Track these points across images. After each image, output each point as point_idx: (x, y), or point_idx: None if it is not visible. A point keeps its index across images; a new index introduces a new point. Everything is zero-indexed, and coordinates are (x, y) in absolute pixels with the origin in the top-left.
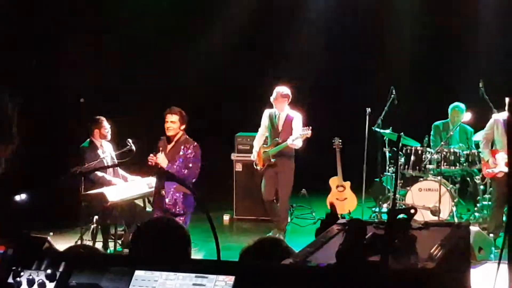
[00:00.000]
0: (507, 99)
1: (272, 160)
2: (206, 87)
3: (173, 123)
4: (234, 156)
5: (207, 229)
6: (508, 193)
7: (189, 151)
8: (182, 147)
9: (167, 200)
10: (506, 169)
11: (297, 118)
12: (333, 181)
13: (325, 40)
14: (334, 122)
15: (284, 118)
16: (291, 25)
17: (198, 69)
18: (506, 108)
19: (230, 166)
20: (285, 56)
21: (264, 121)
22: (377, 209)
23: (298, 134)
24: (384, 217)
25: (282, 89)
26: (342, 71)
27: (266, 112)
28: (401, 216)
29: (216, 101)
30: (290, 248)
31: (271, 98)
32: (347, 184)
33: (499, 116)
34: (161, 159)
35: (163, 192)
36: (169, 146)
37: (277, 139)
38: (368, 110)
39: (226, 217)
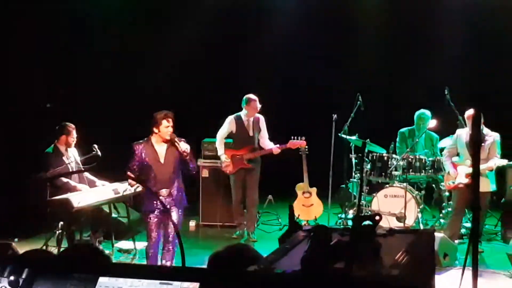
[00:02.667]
0: (466, 114)
1: (250, 164)
2: (171, 92)
3: (172, 127)
4: (200, 162)
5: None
6: (472, 202)
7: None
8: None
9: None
10: (465, 181)
11: (262, 119)
12: (300, 187)
13: (291, 47)
14: (300, 128)
15: (253, 123)
16: (257, 32)
17: (163, 74)
18: (467, 123)
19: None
20: (251, 62)
21: (230, 126)
22: (343, 216)
23: (294, 143)
24: (350, 223)
25: (254, 96)
26: (309, 78)
27: (230, 118)
28: (366, 222)
29: (181, 107)
30: (258, 254)
31: (243, 104)
32: (313, 190)
33: (461, 132)
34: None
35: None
36: (164, 148)
37: (252, 143)
38: (335, 116)
39: (192, 223)
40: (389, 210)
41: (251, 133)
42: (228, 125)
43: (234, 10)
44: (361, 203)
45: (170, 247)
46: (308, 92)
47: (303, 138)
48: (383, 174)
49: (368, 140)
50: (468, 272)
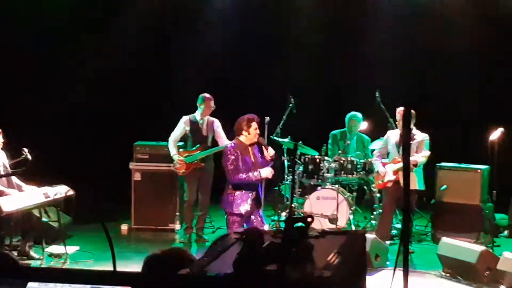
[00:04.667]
0: (397, 113)
1: (202, 163)
2: (103, 95)
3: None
4: (132, 165)
5: (104, 239)
6: (403, 203)
7: None
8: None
9: None
10: (393, 177)
11: (217, 121)
12: None
13: (223, 49)
14: (233, 130)
15: (207, 124)
16: (189, 34)
17: (94, 77)
18: (397, 123)
19: (128, 175)
20: (182, 64)
21: (185, 126)
22: (275, 218)
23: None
24: (283, 225)
25: (209, 95)
26: (241, 80)
27: (185, 118)
28: (298, 224)
29: (113, 110)
30: (194, 257)
31: (199, 102)
32: None
33: (392, 133)
34: None
35: None
36: (250, 150)
37: (205, 143)
38: (267, 119)
39: (124, 227)
40: (321, 212)
41: (204, 133)
42: (183, 124)
43: (166, 11)
44: (293, 205)
45: None
46: (240, 95)
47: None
48: (315, 176)
49: (300, 142)
50: (399, 273)
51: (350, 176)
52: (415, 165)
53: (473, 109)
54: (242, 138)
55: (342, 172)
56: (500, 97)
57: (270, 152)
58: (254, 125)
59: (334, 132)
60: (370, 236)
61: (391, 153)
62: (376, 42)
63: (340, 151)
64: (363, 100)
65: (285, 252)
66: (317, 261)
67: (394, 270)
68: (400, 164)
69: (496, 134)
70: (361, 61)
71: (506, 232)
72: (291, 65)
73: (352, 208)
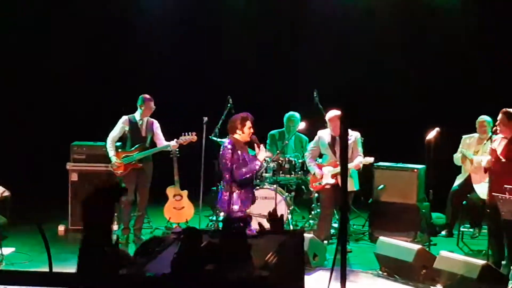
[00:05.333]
0: (328, 116)
1: (140, 164)
2: (40, 94)
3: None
4: (69, 166)
5: (41, 240)
6: (340, 203)
7: None
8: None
9: None
10: (332, 181)
11: (156, 122)
12: (170, 190)
13: (161, 49)
14: (172, 130)
15: (146, 123)
16: (126, 32)
17: (31, 76)
18: (328, 124)
19: (65, 175)
20: (124, 64)
21: (124, 126)
22: (214, 218)
23: (184, 139)
24: (221, 225)
25: (149, 96)
26: (179, 80)
27: (124, 119)
28: (236, 224)
29: (51, 110)
30: (132, 258)
31: (139, 103)
32: (185, 193)
33: (323, 133)
34: None
35: None
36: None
37: (143, 143)
38: (205, 119)
39: (61, 228)
40: (259, 212)
41: (143, 134)
42: (122, 125)
43: (111, 11)
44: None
45: None
46: (178, 95)
47: (194, 133)
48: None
49: None
50: (337, 272)
51: (288, 176)
52: (359, 169)
53: (409, 109)
54: (236, 136)
55: (281, 172)
56: (436, 96)
57: (262, 150)
58: (248, 124)
59: (272, 132)
60: (308, 235)
61: (325, 155)
62: (313, 42)
63: (278, 151)
64: (301, 100)
65: (223, 252)
66: (255, 261)
67: (332, 269)
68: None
69: (432, 134)
70: (299, 61)
71: (444, 232)
72: (229, 65)
73: (290, 208)
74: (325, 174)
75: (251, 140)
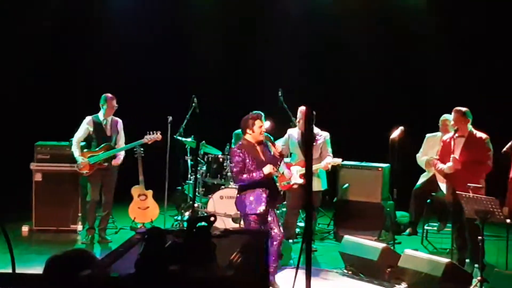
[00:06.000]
0: (299, 112)
1: (105, 164)
2: (2, 93)
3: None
4: (33, 166)
5: (3, 241)
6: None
7: None
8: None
9: None
10: (300, 181)
11: (120, 122)
12: (135, 190)
13: (124, 49)
14: (136, 130)
15: (111, 124)
16: (100, 33)
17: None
18: (297, 122)
19: (29, 175)
20: (86, 63)
21: (88, 126)
22: (179, 218)
23: (150, 138)
24: (186, 225)
25: (111, 95)
26: (144, 79)
27: (88, 119)
28: (201, 224)
29: (14, 109)
30: (97, 259)
31: (101, 102)
32: (149, 192)
33: (292, 131)
34: None
35: None
36: (259, 148)
37: (109, 143)
38: (170, 118)
39: (25, 228)
40: (225, 211)
41: (108, 133)
42: (86, 125)
43: (75, 9)
44: (197, 205)
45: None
46: (143, 94)
47: (159, 132)
48: (219, 175)
49: (203, 141)
50: (302, 271)
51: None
52: (327, 169)
53: (373, 108)
54: (248, 137)
55: None
56: (400, 96)
57: (278, 148)
58: (258, 123)
59: (237, 131)
60: None
61: (294, 153)
62: (279, 42)
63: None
64: (265, 99)
65: (187, 251)
66: (220, 261)
67: (297, 268)
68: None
69: (396, 133)
70: (265, 61)
71: (408, 230)
72: (194, 64)
73: None
74: (294, 174)
75: (264, 139)
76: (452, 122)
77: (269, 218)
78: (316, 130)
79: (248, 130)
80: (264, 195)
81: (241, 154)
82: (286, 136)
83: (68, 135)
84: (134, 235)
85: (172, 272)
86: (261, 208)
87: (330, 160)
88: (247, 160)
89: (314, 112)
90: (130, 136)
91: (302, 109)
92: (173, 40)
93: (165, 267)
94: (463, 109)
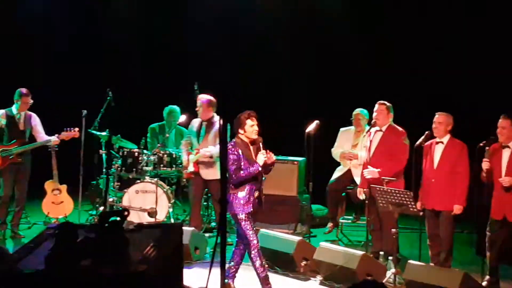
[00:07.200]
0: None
1: (19, 159)
2: None
3: (257, 126)
4: None
5: None
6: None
7: None
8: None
9: None
10: (193, 169)
11: (35, 116)
12: (49, 185)
13: (42, 42)
14: (51, 125)
15: (24, 118)
16: (16, 26)
17: None
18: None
19: None
20: (4, 58)
21: (1, 120)
22: (94, 212)
23: (66, 134)
24: (98, 220)
25: (26, 90)
26: (59, 73)
27: (1, 112)
28: (113, 218)
29: None
30: (8, 254)
31: (16, 97)
32: (63, 187)
33: (195, 121)
34: None
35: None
36: (252, 148)
37: (23, 137)
38: (84, 112)
39: None
40: (140, 206)
41: (22, 128)
42: None
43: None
44: (113, 199)
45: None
46: (57, 88)
47: (76, 129)
48: (134, 169)
49: (119, 135)
50: (217, 265)
51: (169, 169)
52: (211, 157)
53: (289, 101)
54: (241, 136)
55: (161, 165)
56: (314, 90)
57: (270, 157)
58: (249, 122)
59: (152, 125)
60: (189, 228)
61: (194, 144)
62: (194, 36)
63: (159, 144)
64: (181, 93)
65: (99, 246)
66: (133, 255)
67: (211, 262)
68: (199, 155)
69: (312, 126)
70: (181, 55)
71: (328, 226)
72: (109, 59)
73: (171, 202)
74: (190, 162)
75: (257, 140)
76: (375, 114)
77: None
78: (216, 117)
79: (240, 130)
80: (254, 196)
81: (235, 152)
82: (189, 126)
83: None
84: (44, 230)
85: (83, 268)
86: (250, 209)
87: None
88: (242, 159)
89: (212, 99)
90: (46, 130)
91: (201, 97)
92: (89, 31)
93: (76, 262)
94: (388, 103)
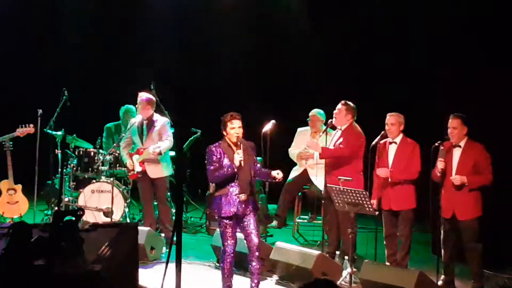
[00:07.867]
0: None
1: None
2: None
3: (240, 128)
4: None
5: None
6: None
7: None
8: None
9: None
10: (140, 169)
11: None
12: (4, 185)
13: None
14: (5, 124)
15: None
16: None
17: None
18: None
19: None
20: None
21: None
22: (49, 212)
23: (22, 131)
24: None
25: None
26: (13, 73)
27: None
28: (68, 218)
29: None
30: None
31: None
32: (19, 187)
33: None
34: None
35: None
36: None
37: None
38: (40, 111)
39: None
40: (96, 206)
41: None
42: None
43: None
44: (68, 199)
45: (257, 264)
46: (12, 88)
47: (31, 125)
48: (90, 169)
49: (74, 135)
50: (173, 264)
51: (125, 169)
52: (160, 154)
53: (245, 101)
54: (226, 137)
55: (117, 165)
56: (271, 89)
57: (238, 154)
58: (229, 124)
59: (108, 125)
60: (144, 228)
61: (136, 143)
62: (152, 35)
63: (115, 144)
64: (137, 92)
65: (53, 246)
66: (88, 255)
67: (167, 262)
68: (147, 152)
69: (268, 126)
70: (137, 53)
71: (275, 223)
72: (64, 58)
73: (127, 201)
74: (135, 163)
75: (237, 142)
76: (337, 112)
77: (245, 222)
78: (156, 116)
79: (223, 131)
80: (239, 198)
81: (216, 153)
82: (128, 126)
83: None
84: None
85: (37, 267)
86: (233, 210)
87: (169, 144)
88: (223, 159)
89: (152, 97)
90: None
91: (141, 94)
92: (43, 30)
93: (30, 262)
94: (351, 104)
